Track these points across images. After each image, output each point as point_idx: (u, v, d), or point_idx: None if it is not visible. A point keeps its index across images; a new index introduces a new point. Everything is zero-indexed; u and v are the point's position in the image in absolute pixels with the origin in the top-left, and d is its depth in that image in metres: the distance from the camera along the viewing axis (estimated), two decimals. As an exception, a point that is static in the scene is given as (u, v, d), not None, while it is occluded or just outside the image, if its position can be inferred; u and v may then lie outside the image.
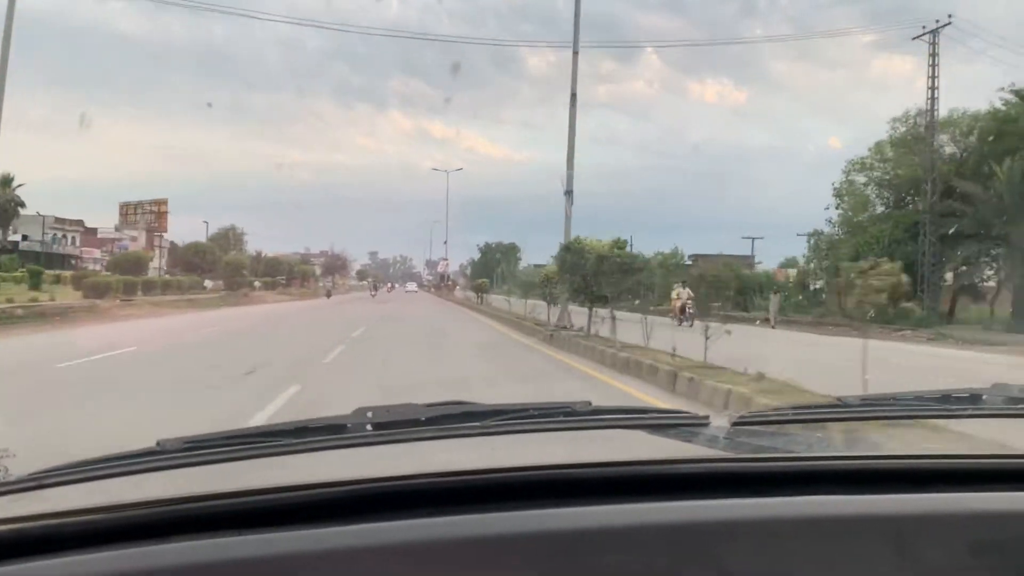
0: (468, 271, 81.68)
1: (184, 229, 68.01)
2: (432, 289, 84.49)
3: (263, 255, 72.83)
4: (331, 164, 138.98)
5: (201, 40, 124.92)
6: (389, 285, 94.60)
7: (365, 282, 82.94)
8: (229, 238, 70.55)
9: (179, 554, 0.90)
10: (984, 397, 1.43)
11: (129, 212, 61.08)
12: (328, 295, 58.43)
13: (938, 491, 1.08)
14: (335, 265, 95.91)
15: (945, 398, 1.43)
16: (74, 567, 0.89)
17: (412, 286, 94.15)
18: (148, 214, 63.64)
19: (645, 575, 0.95)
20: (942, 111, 30.81)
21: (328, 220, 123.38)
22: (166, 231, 61.82)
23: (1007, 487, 1.10)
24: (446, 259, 71.08)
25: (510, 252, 76.03)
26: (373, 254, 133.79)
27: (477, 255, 79.64)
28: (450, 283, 73.79)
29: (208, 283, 53.68)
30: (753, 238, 57.97)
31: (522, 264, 71.88)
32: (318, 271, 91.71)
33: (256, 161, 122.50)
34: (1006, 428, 1.44)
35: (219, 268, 56.68)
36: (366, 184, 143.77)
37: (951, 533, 1.02)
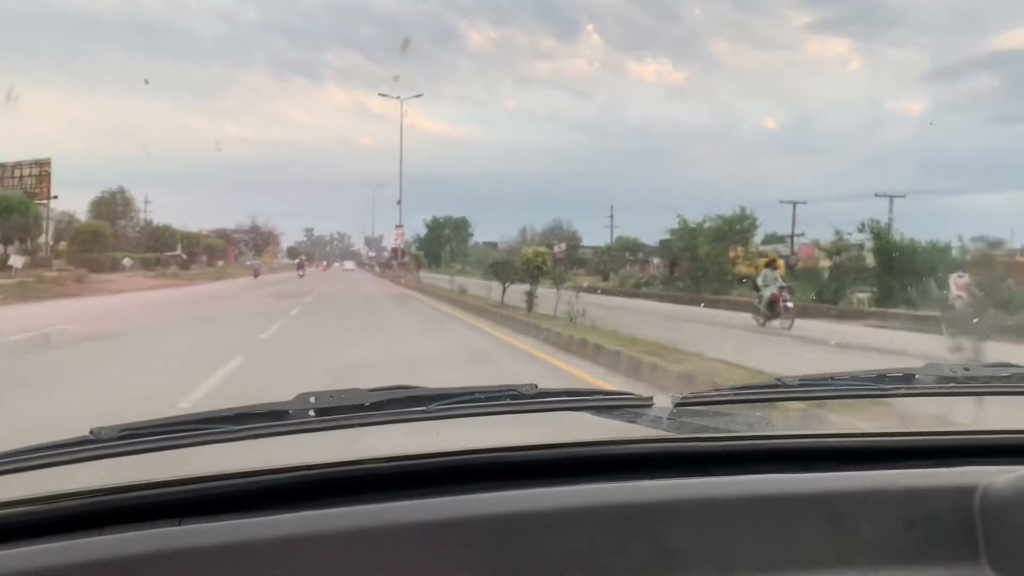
0: (414, 248, 68.23)
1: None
2: (378, 268, 69.41)
3: (152, 224, 59.64)
4: (267, 139, 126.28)
5: (132, 9, 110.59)
6: (325, 263, 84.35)
7: (297, 260, 70.41)
8: (116, 204, 57.33)
9: (116, 545, 0.88)
10: (917, 376, 1.44)
11: (5, 175, 48.04)
12: (256, 275, 48.49)
13: (873, 468, 1.11)
14: (261, 241, 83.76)
15: (880, 378, 1.45)
16: (2, 562, 0.86)
17: (349, 264, 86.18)
18: (27, 177, 50.11)
19: (592, 555, 0.96)
20: None
21: (263, 196, 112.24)
22: (49, 197, 48.66)
23: (939, 463, 1.13)
24: (401, 225, 48.19)
25: (460, 228, 63.88)
26: (308, 231, 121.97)
27: (423, 232, 66.37)
28: (407, 261, 47.44)
29: (17, 260, 35.20)
30: (795, 202, 37.23)
31: (472, 241, 60.46)
32: (243, 247, 79.47)
33: (189, 134, 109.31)
34: (938, 406, 1.52)
35: (70, 238, 43.74)
36: (304, 160, 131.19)
37: (886, 509, 1.04)
